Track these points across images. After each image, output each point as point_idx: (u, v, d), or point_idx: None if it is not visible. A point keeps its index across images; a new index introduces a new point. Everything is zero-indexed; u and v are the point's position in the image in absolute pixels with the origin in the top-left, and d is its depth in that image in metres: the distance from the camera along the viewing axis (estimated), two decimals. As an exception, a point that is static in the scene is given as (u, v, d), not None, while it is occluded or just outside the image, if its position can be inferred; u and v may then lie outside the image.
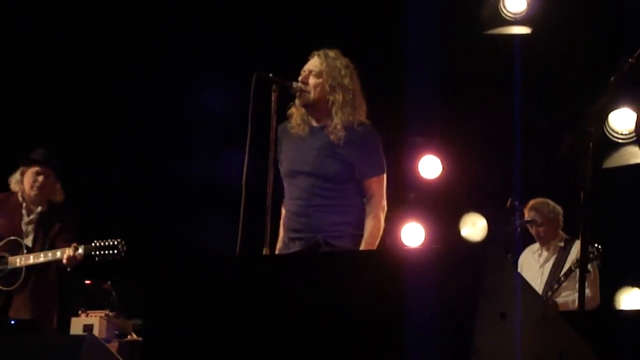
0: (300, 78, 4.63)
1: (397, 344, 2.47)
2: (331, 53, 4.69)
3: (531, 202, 6.51)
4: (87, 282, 7.40)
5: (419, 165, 8.18)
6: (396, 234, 8.05)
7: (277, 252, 4.56)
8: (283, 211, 4.75)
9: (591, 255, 5.99)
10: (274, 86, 4.52)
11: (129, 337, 7.10)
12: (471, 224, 8.04)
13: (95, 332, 6.76)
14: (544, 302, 3.53)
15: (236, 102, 4.57)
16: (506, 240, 6.64)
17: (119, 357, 4.86)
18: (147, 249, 6.30)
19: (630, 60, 4.16)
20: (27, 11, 7.80)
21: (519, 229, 6.48)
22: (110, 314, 7.06)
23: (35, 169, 6.07)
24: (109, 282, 7.32)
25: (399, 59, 7.23)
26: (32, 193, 6.04)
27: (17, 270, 5.91)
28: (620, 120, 6.73)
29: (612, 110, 6.70)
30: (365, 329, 2.55)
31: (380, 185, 4.62)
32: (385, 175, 4.66)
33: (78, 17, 7.80)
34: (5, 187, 6.20)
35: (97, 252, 5.84)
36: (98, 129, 8.17)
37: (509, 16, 7.14)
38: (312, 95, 4.61)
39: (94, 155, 8.14)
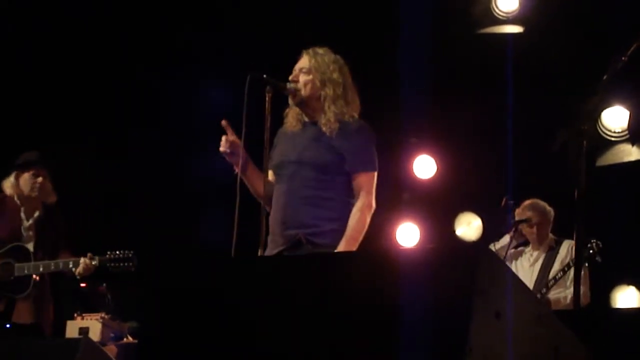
0: (290, 77, 4.65)
1: (392, 343, 2.48)
2: (320, 50, 4.71)
3: (527, 202, 6.51)
4: (83, 285, 7.40)
5: (414, 166, 8.19)
6: (391, 234, 8.06)
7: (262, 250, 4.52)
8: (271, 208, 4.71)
9: (591, 252, 6.01)
10: (267, 87, 4.53)
11: (124, 339, 7.11)
12: (466, 223, 8.06)
13: (91, 335, 6.77)
14: (537, 301, 3.54)
15: (235, 102, 4.57)
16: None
17: (114, 360, 4.87)
18: (145, 248, 6.34)
19: (622, 58, 4.16)
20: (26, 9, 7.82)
21: (513, 228, 6.50)
22: (106, 316, 7.07)
23: (32, 171, 6.04)
24: (104, 285, 7.33)
25: (392, 59, 7.24)
26: (33, 195, 6.02)
27: (24, 278, 5.89)
28: (613, 118, 6.75)
29: (604, 109, 6.72)
30: (360, 328, 2.55)
31: (369, 182, 4.59)
32: (375, 174, 4.63)
33: (77, 16, 7.80)
34: None
35: (111, 264, 5.87)
36: (96, 129, 8.17)
37: (501, 15, 7.16)
38: (304, 92, 4.63)
39: (92, 154, 8.15)
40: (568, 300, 6.09)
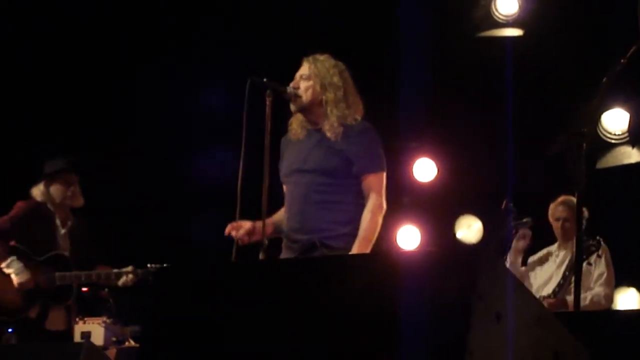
0: (291, 84, 4.67)
1: (392, 346, 2.49)
2: (320, 57, 4.75)
3: (561, 198, 6.46)
4: (84, 289, 7.40)
5: (414, 169, 8.20)
6: (392, 237, 8.06)
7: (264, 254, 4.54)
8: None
9: (592, 248, 6.01)
10: (268, 91, 4.54)
11: (126, 343, 7.10)
12: (466, 226, 8.06)
13: (93, 339, 6.77)
14: (538, 302, 3.54)
15: (232, 103, 4.58)
16: (501, 242, 6.64)
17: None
18: (140, 250, 6.37)
19: (622, 61, 4.17)
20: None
21: (513, 231, 6.48)
22: (108, 320, 7.06)
23: (63, 179, 6.08)
24: (106, 290, 7.32)
25: (392, 63, 7.25)
26: (66, 202, 6.06)
27: (64, 287, 5.93)
28: (613, 120, 6.76)
29: (605, 111, 6.73)
30: (360, 331, 2.56)
31: (378, 183, 4.61)
32: (384, 174, 4.66)
33: (77, 16, 7.81)
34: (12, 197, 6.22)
35: (151, 277, 5.94)
36: (95, 129, 8.17)
37: (500, 18, 7.16)
38: (305, 98, 4.66)
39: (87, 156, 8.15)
40: (587, 302, 6.06)
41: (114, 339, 7.10)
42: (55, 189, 6.06)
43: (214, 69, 7.91)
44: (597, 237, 5.99)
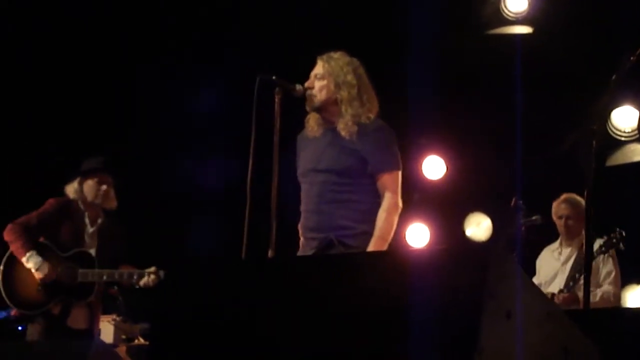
0: (306, 84, 4.68)
1: (402, 343, 2.49)
2: (334, 55, 4.76)
3: (564, 196, 6.47)
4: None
5: (423, 166, 8.19)
6: (401, 234, 8.06)
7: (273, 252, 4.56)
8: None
9: (614, 241, 6.00)
10: (277, 89, 4.54)
11: (136, 341, 7.12)
12: (476, 223, 8.06)
13: (103, 336, 6.78)
14: (547, 299, 3.54)
15: (232, 103, 4.59)
16: (510, 240, 6.64)
17: (126, 361, 4.88)
18: (138, 251, 6.38)
19: (631, 58, 4.17)
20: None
21: (523, 228, 6.48)
22: (118, 318, 7.07)
23: (97, 178, 6.11)
24: (116, 287, 7.35)
25: (401, 60, 7.24)
26: (97, 201, 6.09)
27: (86, 284, 5.95)
28: (623, 118, 6.75)
29: (614, 108, 6.73)
30: (370, 329, 2.56)
31: (393, 182, 4.63)
32: (399, 173, 4.67)
33: (75, 15, 7.82)
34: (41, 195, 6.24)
35: None
36: (91, 129, 8.19)
37: (510, 16, 7.16)
38: (319, 97, 4.67)
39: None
40: (597, 299, 6.06)
41: (123, 336, 7.12)
42: (88, 187, 6.11)
43: (214, 69, 7.91)
44: (618, 229, 6.00)
